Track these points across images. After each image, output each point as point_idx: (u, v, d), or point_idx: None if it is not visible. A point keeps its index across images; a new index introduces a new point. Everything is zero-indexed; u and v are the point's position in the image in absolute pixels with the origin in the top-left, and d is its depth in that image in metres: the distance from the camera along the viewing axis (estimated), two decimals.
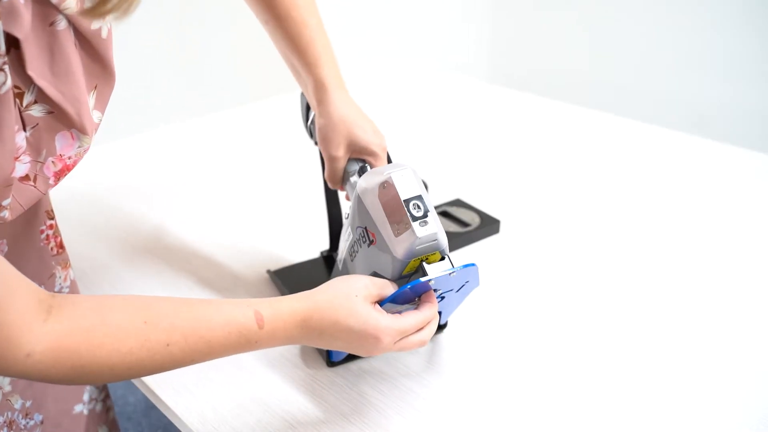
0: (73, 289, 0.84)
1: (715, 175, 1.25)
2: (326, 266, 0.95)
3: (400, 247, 0.63)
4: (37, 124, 0.56)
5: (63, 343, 0.51)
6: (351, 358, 0.78)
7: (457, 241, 1.01)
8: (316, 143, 0.88)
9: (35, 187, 0.58)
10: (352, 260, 0.73)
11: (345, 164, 0.80)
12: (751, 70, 2.12)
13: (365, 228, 0.68)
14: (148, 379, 0.76)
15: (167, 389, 0.75)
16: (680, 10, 2.21)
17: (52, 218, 0.76)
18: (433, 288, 0.65)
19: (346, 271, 0.75)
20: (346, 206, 0.88)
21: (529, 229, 1.07)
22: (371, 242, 0.67)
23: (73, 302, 0.53)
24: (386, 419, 0.70)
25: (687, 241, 1.03)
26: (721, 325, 0.84)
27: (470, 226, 1.04)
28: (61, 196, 1.16)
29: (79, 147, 0.60)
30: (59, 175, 0.59)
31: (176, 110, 1.74)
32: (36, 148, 0.57)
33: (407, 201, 0.64)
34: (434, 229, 0.63)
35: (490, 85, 1.80)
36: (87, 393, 0.84)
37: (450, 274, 0.64)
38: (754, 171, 1.27)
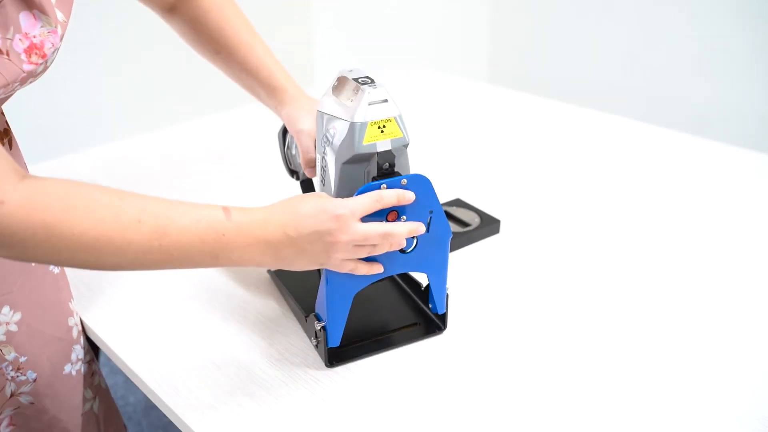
0: (64, 276, 0.84)
1: (714, 174, 1.25)
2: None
3: (356, 109, 0.67)
4: (2, 1, 0.61)
5: (36, 198, 0.54)
6: (351, 357, 0.78)
7: (457, 240, 1.01)
8: (291, 172, 0.93)
9: (10, 60, 0.63)
10: (323, 184, 0.75)
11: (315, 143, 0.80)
12: (751, 70, 2.12)
13: (326, 132, 0.71)
14: (148, 379, 0.76)
15: (167, 389, 0.75)
16: (680, 9, 2.21)
17: None
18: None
19: None
20: None
21: (529, 229, 1.07)
22: (333, 136, 0.70)
23: (49, 178, 0.57)
24: (387, 419, 0.70)
25: (686, 241, 1.03)
26: (721, 324, 0.84)
27: (470, 226, 1.04)
28: None
29: (41, 27, 0.65)
30: (29, 52, 0.64)
31: (175, 110, 1.74)
32: (4, 25, 0.62)
33: (356, 78, 0.70)
34: (384, 94, 0.67)
35: (490, 86, 1.80)
36: (74, 352, 0.84)
37: (401, 182, 0.69)
38: (754, 171, 1.27)
